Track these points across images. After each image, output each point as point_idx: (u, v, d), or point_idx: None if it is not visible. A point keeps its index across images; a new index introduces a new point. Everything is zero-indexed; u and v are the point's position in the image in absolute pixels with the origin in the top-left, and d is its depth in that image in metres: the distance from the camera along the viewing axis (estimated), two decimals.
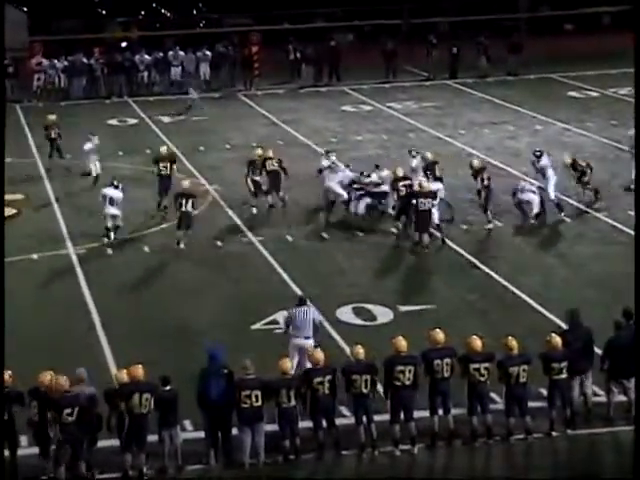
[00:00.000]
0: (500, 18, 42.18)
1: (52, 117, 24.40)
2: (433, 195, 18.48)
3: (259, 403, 11.75)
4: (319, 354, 12.13)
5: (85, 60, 32.84)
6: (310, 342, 13.34)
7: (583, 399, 12.72)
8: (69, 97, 32.46)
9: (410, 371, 12.08)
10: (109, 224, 19.11)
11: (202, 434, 12.09)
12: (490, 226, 19.40)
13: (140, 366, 11.82)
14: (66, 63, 32.80)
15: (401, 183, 18.98)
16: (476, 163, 19.93)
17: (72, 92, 32.64)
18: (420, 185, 18.67)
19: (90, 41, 36.41)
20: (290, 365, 12.12)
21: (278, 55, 34.20)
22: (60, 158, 23.85)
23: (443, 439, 12.24)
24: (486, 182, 19.34)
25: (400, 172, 19.25)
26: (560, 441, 12.34)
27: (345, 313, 15.89)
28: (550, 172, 20.11)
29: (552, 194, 19.97)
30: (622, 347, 12.52)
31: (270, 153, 21.06)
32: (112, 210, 19.06)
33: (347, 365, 12.35)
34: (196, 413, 12.26)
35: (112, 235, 19.04)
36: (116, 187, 19.25)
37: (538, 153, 20.44)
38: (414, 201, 18.27)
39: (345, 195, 19.90)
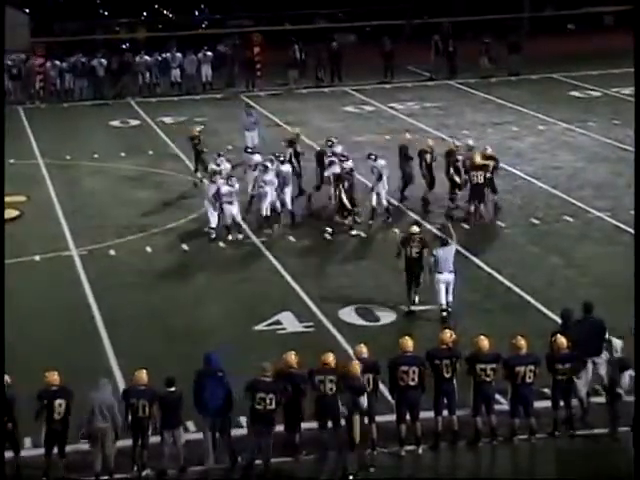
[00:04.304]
0: (502, 18, 42.14)
1: (197, 128, 23.26)
2: (485, 168, 19.66)
3: (272, 407, 11.70)
4: (329, 357, 12.06)
5: (87, 61, 32.87)
6: (453, 276, 15.17)
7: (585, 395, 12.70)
8: (72, 98, 32.49)
9: (414, 372, 12.07)
10: (228, 221, 19.01)
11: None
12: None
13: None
14: (70, 63, 32.83)
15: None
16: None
17: (75, 93, 32.66)
18: (472, 159, 19.75)
19: (93, 42, 36.42)
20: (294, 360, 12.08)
21: (280, 56, 34.19)
22: (200, 170, 22.18)
23: (447, 440, 12.22)
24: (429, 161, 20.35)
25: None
26: (564, 441, 12.31)
27: (348, 314, 15.87)
28: (385, 176, 19.74)
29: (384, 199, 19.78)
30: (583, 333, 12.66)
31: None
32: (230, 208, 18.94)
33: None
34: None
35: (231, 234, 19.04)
36: (231, 185, 19.06)
37: (373, 157, 19.87)
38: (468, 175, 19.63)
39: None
